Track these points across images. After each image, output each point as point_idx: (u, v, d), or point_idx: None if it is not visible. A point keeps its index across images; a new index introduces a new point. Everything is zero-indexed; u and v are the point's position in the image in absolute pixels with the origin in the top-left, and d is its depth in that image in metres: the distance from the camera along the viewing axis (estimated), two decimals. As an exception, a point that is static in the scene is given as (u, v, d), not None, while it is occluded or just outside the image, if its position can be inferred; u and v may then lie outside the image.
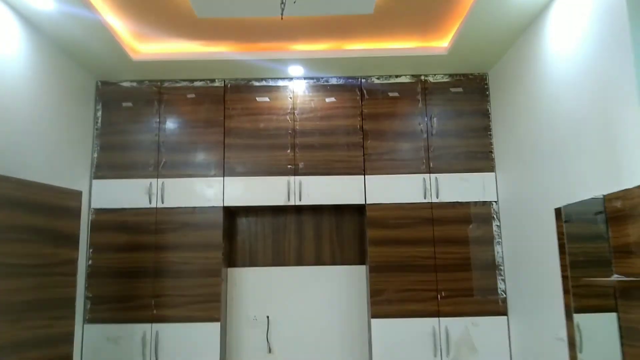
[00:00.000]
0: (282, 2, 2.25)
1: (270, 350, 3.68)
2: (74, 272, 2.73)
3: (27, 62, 2.87)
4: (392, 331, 3.44)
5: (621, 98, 2.15)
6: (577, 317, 2.50)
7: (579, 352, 2.47)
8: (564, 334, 2.66)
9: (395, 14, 3.03)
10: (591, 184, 2.40)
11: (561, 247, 2.63)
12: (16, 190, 2.42)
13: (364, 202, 3.60)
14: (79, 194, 2.79)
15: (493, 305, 3.46)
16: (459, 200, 3.59)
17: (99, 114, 3.70)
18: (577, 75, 2.52)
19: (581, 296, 2.48)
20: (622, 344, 2.20)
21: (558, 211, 2.66)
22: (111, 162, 3.65)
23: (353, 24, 3.13)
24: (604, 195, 2.27)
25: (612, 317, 2.25)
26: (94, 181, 3.62)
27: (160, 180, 3.62)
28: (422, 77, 3.75)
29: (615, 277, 2.17)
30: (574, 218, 2.51)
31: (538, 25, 2.92)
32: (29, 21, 2.88)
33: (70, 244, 2.72)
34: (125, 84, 3.74)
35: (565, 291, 2.59)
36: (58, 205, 2.66)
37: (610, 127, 2.24)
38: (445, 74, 3.74)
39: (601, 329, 2.33)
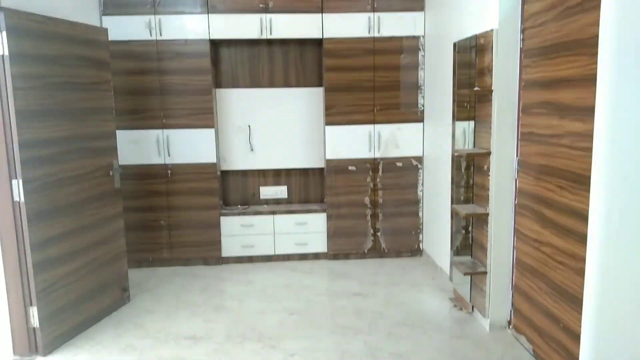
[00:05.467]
0: None
1: (252, 149, 5.00)
2: (110, 89, 3.78)
3: None
4: (340, 134, 4.74)
5: (492, -34, 3.12)
6: (459, 123, 3.77)
7: (457, 143, 3.79)
8: (449, 132, 3.97)
9: None
10: (473, 25, 3.48)
11: (454, 71, 3.79)
12: (68, 28, 3.35)
13: (321, 37, 4.60)
14: (105, 30, 3.72)
15: (413, 115, 4.76)
16: (395, 35, 4.63)
17: (98, -43, 4.37)
18: (475, -58, 3.41)
19: (462, 107, 3.71)
20: (475, 135, 3.53)
21: (455, 45, 3.76)
22: (115, 0, 4.44)
23: None
24: (475, 35, 3.37)
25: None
26: (103, 17, 4.45)
27: (157, 17, 4.48)
28: None
29: (475, 89, 3.39)
30: (461, 50, 3.64)
31: None
32: None
33: (105, 68, 3.73)
34: None
35: (453, 102, 3.82)
36: (94, 39, 3.60)
37: (486, -14, 3.25)
38: None
39: (468, 127, 3.63)
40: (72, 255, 3.40)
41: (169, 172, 4.67)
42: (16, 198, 3.04)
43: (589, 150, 2.23)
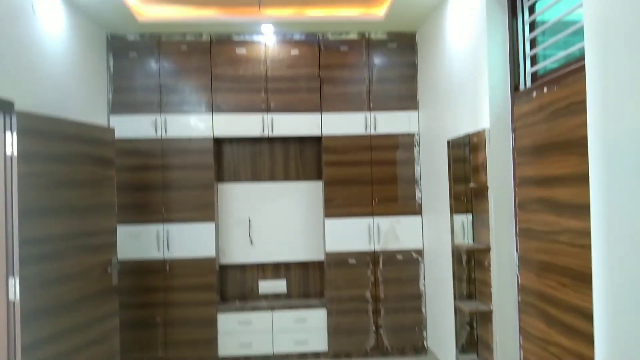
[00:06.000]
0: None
1: (252, 243, 4.99)
2: (113, 185, 3.86)
3: (60, 26, 3.78)
4: (339, 227, 4.76)
5: (480, 70, 3.32)
6: (456, 215, 3.81)
7: (456, 236, 3.81)
8: (448, 225, 3.99)
9: (343, -7, 4.04)
10: (465, 125, 3.63)
11: (449, 167, 3.90)
12: (76, 129, 3.49)
13: (320, 134, 4.77)
14: (112, 130, 3.87)
15: (411, 208, 4.81)
16: (391, 132, 4.81)
17: (111, 63, 4.65)
18: (463, 48, 3.66)
19: (459, 200, 3.77)
20: (473, 228, 3.55)
21: (449, 142, 3.90)
22: (123, 101, 4.66)
23: (311, -1, 4.13)
24: (468, 134, 3.51)
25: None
26: (111, 116, 4.64)
27: (163, 116, 4.68)
28: (366, 35, 4.80)
29: (471, 185, 3.46)
30: (455, 148, 3.76)
31: (444, 6, 4.00)
32: (63, -3, 3.78)
33: (110, 166, 3.83)
34: (130, 37, 4.66)
35: (450, 196, 3.89)
36: (101, 139, 3.74)
37: (475, 88, 3.43)
38: (384, 32, 4.80)
39: (466, 220, 3.66)
40: (64, 356, 3.27)
41: (168, 266, 4.63)
42: (11, 297, 2.98)
43: (588, 247, 2.24)
